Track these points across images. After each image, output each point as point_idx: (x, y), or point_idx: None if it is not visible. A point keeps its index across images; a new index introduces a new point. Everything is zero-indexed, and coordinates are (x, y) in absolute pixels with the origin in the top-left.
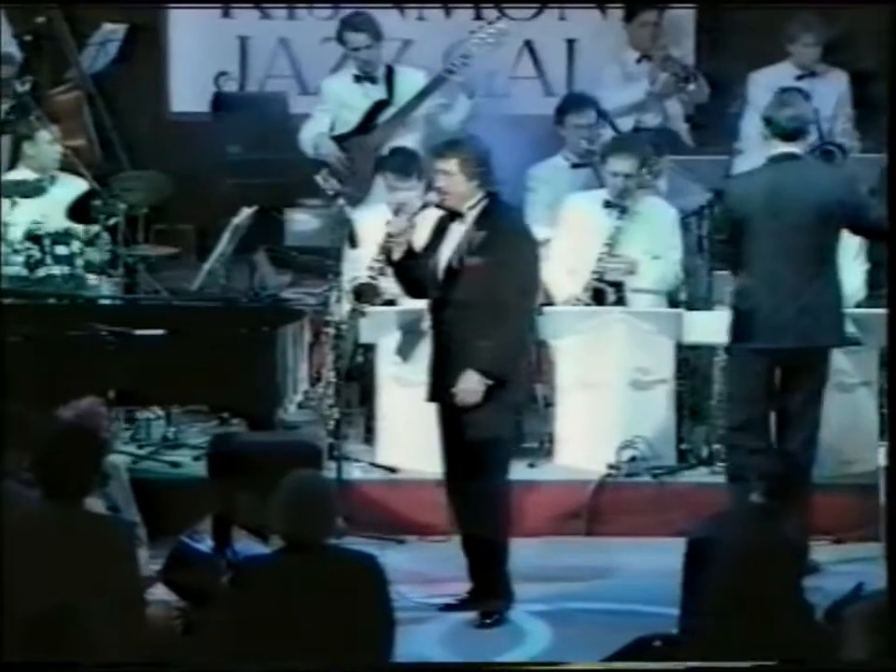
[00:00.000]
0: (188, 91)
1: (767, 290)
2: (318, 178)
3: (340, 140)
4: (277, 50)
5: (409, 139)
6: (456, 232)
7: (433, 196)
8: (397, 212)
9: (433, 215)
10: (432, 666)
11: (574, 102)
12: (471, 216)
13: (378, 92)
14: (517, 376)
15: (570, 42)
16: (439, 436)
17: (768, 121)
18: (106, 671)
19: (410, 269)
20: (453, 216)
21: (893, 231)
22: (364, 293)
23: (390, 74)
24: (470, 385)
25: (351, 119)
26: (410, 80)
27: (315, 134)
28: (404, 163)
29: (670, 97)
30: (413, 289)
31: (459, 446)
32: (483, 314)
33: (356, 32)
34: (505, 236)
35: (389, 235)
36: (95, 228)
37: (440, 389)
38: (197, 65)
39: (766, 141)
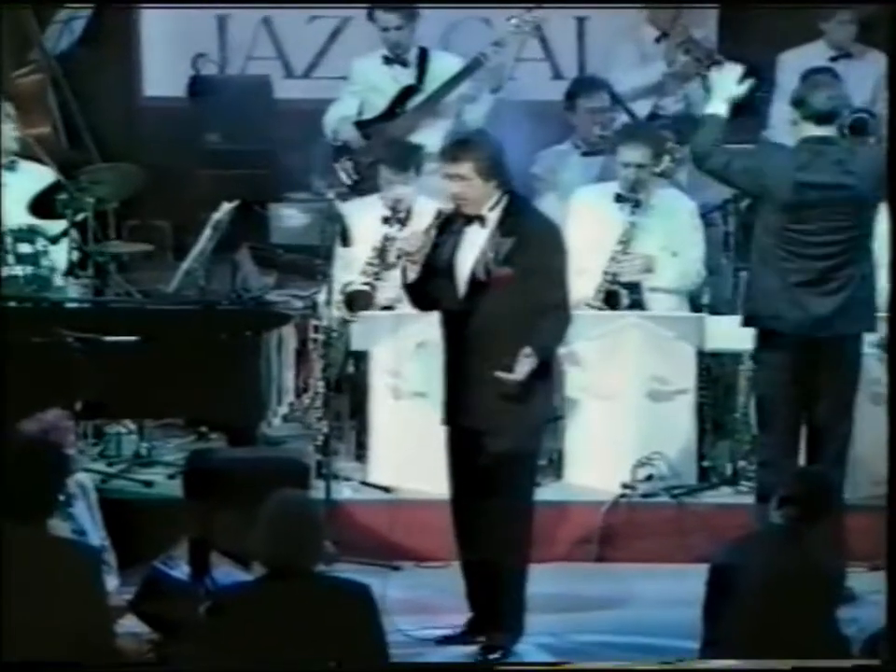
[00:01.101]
0: (162, 74)
1: (787, 272)
2: (337, 166)
3: (362, 126)
4: (260, 30)
5: (436, 130)
6: (476, 238)
7: (449, 203)
8: (393, 209)
9: (429, 216)
10: (432, 666)
11: (585, 84)
12: (493, 219)
13: (408, 77)
14: (545, 389)
15: (580, 20)
16: (448, 457)
17: (799, 103)
18: (106, 671)
19: (426, 287)
20: (468, 219)
21: (894, 231)
22: (356, 301)
23: (423, 57)
24: (520, 367)
25: (379, 104)
26: (443, 66)
27: (339, 118)
28: (401, 156)
29: (690, 80)
30: (428, 305)
31: (474, 468)
32: (512, 328)
33: (387, 11)
34: (537, 240)
35: (405, 253)
36: (62, 224)
37: (458, 411)
38: (172, 46)
39: (796, 126)
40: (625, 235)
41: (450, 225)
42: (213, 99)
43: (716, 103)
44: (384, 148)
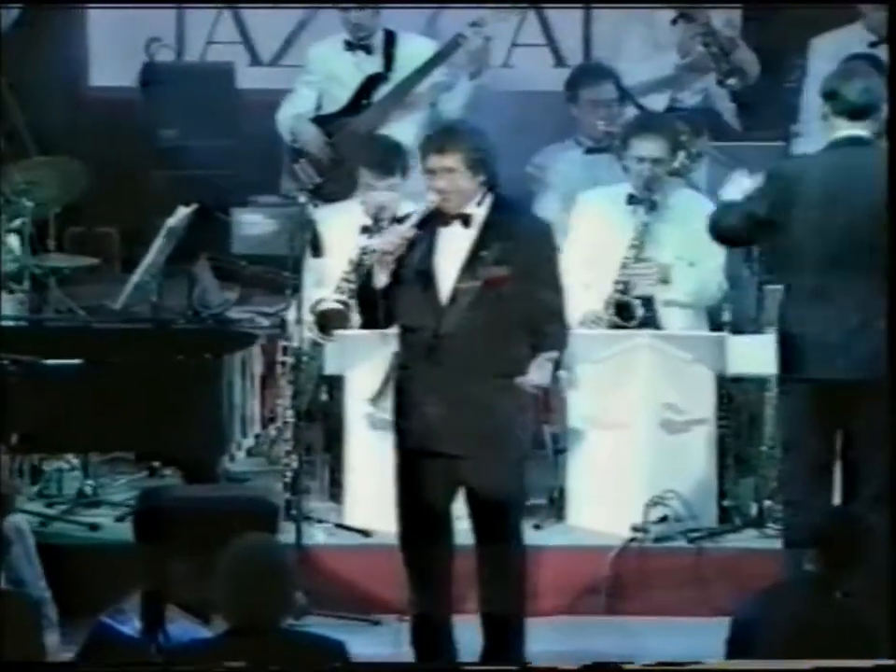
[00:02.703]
0: (110, 61)
1: (817, 306)
2: (297, 168)
3: (323, 122)
4: (221, 12)
5: (407, 124)
6: (458, 240)
7: (431, 198)
8: (376, 218)
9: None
10: (432, 666)
11: (590, 73)
12: (479, 219)
13: (373, 64)
14: (525, 417)
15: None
16: (410, 493)
17: (830, 96)
18: (106, 671)
19: (395, 294)
20: (446, 219)
21: (893, 232)
22: (330, 320)
23: (390, 41)
24: (537, 370)
25: (341, 96)
26: (413, 50)
27: (294, 114)
28: (385, 156)
29: (707, 73)
30: (390, 317)
31: (445, 504)
32: (504, 337)
33: None
34: (530, 241)
35: (381, 253)
36: None
37: (431, 435)
38: (122, 29)
39: (827, 121)
40: (638, 238)
41: (425, 226)
42: (168, 89)
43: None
44: (364, 149)
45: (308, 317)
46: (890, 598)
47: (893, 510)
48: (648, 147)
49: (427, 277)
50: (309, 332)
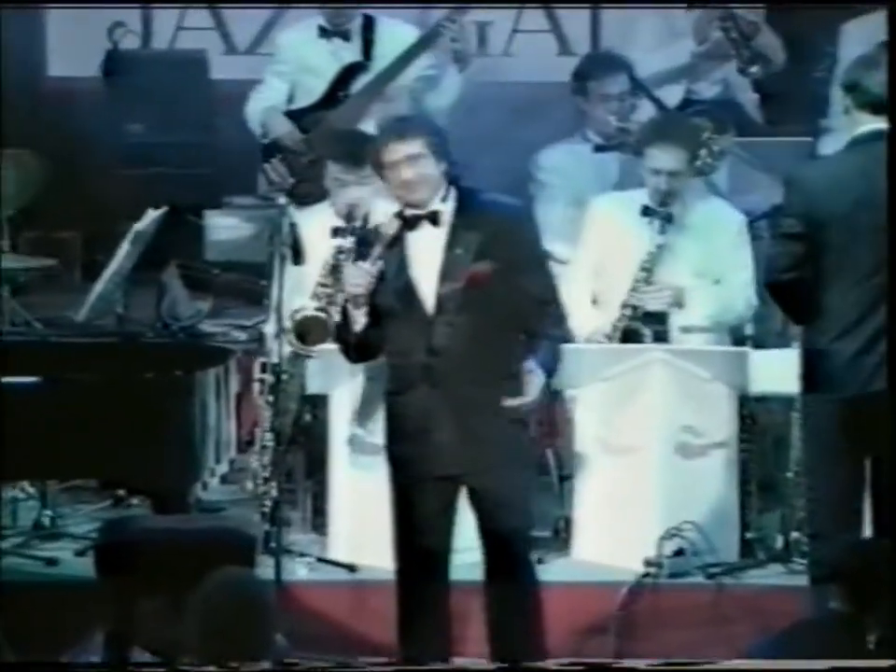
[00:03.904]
0: (70, 49)
1: (848, 318)
2: (267, 168)
3: (296, 116)
4: None
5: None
6: (431, 241)
7: (399, 196)
8: (348, 216)
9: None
10: (432, 667)
11: (600, 63)
12: (447, 215)
13: (351, 52)
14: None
15: None
16: (405, 524)
17: (852, 87)
18: (106, 671)
19: (378, 326)
20: (411, 224)
21: (893, 234)
22: (310, 330)
23: (369, 27)
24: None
25: (315, 88)
26: (394, 37)
27: (265, 107)
28: (352, 146)
29: (726, 61)
30: (375, 350)
31: (444, 534)
32: (499, 339)
33: None
34: (509, 228)
35: (352, 297)
36: None
37: (426, 457)
38: (83, 14)
39: (849, 115)
40: (649, 262)
41: (391, 242)
42: (134, 80)
43: None
44: (331, 141)
45: (288, 326)
46: (890, 598)
47: (893, 510)
48: (665, 158)
49: (407, 292)
50: (288, 344)
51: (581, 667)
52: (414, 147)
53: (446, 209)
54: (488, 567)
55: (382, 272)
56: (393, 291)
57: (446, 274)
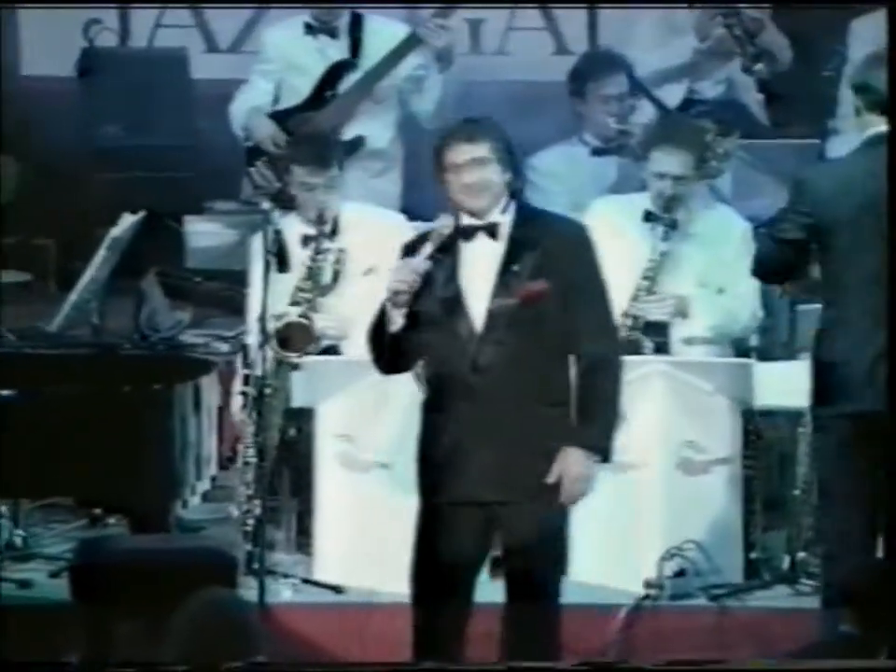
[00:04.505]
0: (44, 47)
1: (859, 328)
2: (252, 172)
3: (282, 117)
4: None
5: (376, 119)
6: (486, 256)
7: (462, 200)
8: (319, 219)
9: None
10: (432, 666)
11: (598, 62)
12: (505, 228)
13: (339, 50)
14: None
15: None
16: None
17: (861, 88)
18: (106, 670)
19: (419, 332)
20: (467, 234)
21: (893, 234)
22: (292, 337)
23: (356, 25)
24: (580, 471)
25: (302, 87)
26: (383, 35)
27: (249, 108)
28: (316, 147)
29: (729, 59)
30: (406, 363)
31: (476, 560)
32: (548, 369)
33: None
34: (565, 248)
35: (395, 293)
36: None
37: (463, 482)
38: (58, 11)
39: (860, 117)
40: (652, 269)
41: (443, 247)
42: (111, 79)
43: None
44: (295, 144)
45: (270, 336)
46: (890, 598)
47: (893, 511)
48: (670, 162)
49: (455, 303)
50: (270, 351)
51: (586, 668)
52: (481, 150)
53: (504, 222)
54: (511, 597)
55: (429, 273)
56: (439, 300)
57: (499, 290)
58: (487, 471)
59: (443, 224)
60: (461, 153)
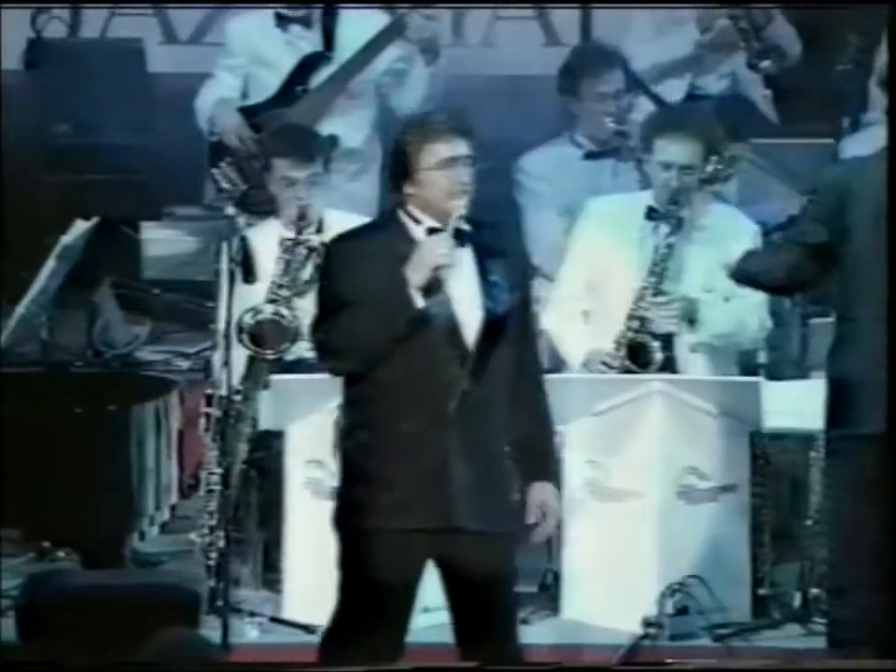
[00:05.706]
0: None
1: (877, 344)
2: (216, 173)
3: (249, 113)
4: None
5: (352, 116)
6: (460, 263)
7: (442, 199)
8: (300, 216)
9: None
10: (432, 666)
11: (592, 57)
12: (467, 233)
13: (311, 42)
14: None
15: None
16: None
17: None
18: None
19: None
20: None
21: (892, 234)
22: (266, 335)
23: (330, 14)
24: (557, 506)
25: (271, 81)
26: (359, 26)
27: (215, 103)
28: (300, 139)
29: (733, 52)
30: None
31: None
32: (518, 388)
33: None
34: (518, 258)
35: (436, 268)
36: None
37: (449, 511)
38: None
39: (886, 114)
40: (659, 263)
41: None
42: (61, 73)
43: None
44: (277, 135)
45: (247, 323)
46: (890, 598)
47: (893, 512)
48: (676, 150)
49: (444, 316)
50: (243, 347)
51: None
52: (463, 147)
53: (467, 227)
54: (466, 631)
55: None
56: (423, 311)
57: (485, 303)
58: (463, 498)
59: (454, 221)
60: (455, 147)
